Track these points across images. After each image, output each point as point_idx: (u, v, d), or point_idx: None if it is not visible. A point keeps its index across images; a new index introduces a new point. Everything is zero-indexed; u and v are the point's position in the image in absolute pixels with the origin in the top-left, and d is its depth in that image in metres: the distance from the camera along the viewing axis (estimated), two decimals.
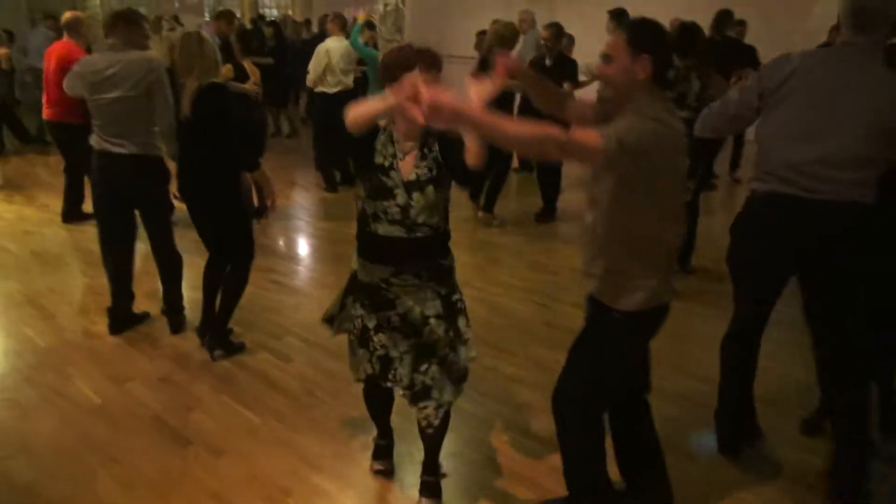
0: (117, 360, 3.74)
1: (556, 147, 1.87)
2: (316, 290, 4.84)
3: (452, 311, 2.41)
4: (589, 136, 1.88)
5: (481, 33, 7.06)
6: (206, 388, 3.43)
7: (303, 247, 5.89)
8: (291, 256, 5.58)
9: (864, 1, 2.43)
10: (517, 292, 4.71)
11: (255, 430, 3.09)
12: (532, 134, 1.86)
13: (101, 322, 4.18)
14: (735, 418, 2.94)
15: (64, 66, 4.81)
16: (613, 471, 2.47)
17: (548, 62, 5.78)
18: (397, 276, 2.32)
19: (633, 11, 7.82)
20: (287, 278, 4.96)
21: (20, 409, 3.24)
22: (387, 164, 2.27)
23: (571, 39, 6.66)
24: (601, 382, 2.26)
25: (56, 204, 6.30)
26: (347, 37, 6.93)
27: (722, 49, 6.01)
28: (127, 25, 3.71)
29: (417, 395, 2.40)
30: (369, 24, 8.72)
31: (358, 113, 2.16)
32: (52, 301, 4.47)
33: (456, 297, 2.43)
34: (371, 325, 2.41)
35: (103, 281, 4.84)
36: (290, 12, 15.78)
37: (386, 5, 5.72)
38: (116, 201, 3.83)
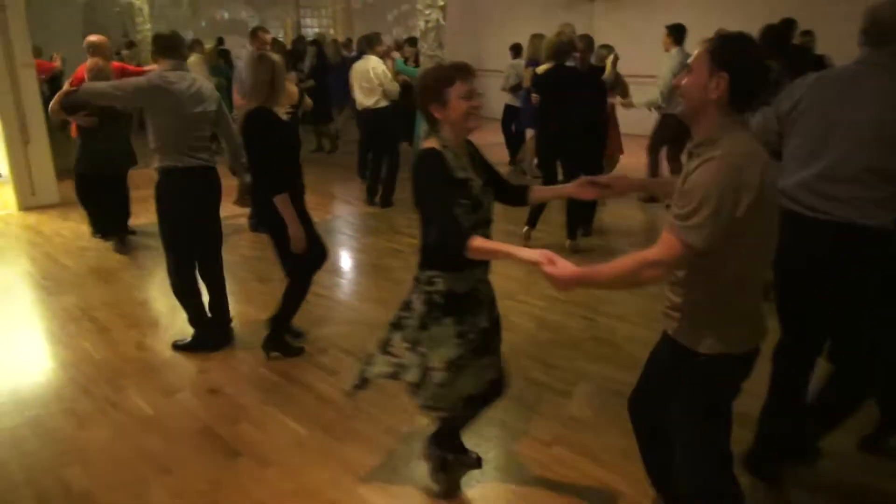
0: (168, 372, 3.83)
1: (653, 270, 1.84)
2: (360, 303, 4.89)
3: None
4: (670, 247, 1.80)
5: (536, 36, 7.07)
6: (254, 401, 3.49)
7: (346, 260, 5.96)
8: (335, 270, 5.64)
9: (877, 14, 2.37)
10: (561, 305, 4.68)
11: (303, 441, 3.13)
12: (629, 268, 1.87)
13: (152, 335, 4.30)
14: (772, 439, 2.72)
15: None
16: None
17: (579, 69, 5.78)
18: (486, 273, 2.47)
19: (685, 19, 7.74)
20: (331, 291, 5.02)
21: (77, 419, 3.34)
22: (468, 175, 2.33)
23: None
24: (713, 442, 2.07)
25: None
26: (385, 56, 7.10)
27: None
28: (180, 48, 3.89)
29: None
30: (410, 41, 8.87)
31: (489, 249, 2.14)
32: (107, 315, 4.61)
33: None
34: (486, 325, 2.47)
35: (154, 294, 5.00)
36: (331, 31, 16.09)
37: (427, 22, 5.77)
38: (202, 215, 3.93)
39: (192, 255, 3.99)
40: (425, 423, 3.20)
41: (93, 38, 5.67)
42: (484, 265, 2.45)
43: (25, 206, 7.36)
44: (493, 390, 2.59)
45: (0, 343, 4.23)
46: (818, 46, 7.08)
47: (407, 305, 2.48)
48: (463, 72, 2.28)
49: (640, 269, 1.85)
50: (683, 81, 1.92)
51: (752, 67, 1.84)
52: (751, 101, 1.89)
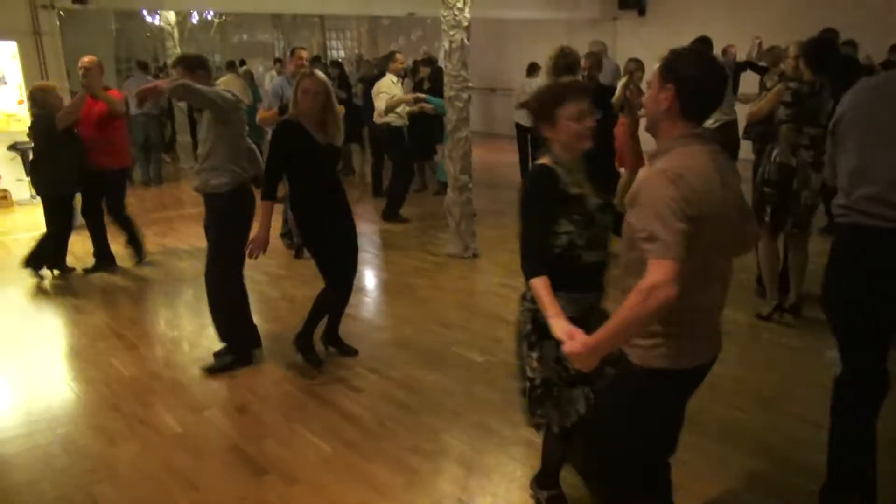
0: (196, 389, 3.86)
1: (657, 293, 1.73)
2: (385, 321, 4.90)
3: None
4: (660, 267, 1.74)
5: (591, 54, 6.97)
6: (281, 418, 3.49)
7: (369, 278, 5.98)
8: (360, 288, 5.66)
9: None
10: None
11: (328, 459, 3.12)
12: (633, 306, 1.77)
13: (180, 352, 4.35)
14: (841, 472, 2.55)
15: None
16: None
17: None
18: (599, 300, 2.38)
19: (721, 36, 7.73)
20: (356, 310, 5.03)
21: (106, 435, 3.37)
22: (581, 191, 2.28)
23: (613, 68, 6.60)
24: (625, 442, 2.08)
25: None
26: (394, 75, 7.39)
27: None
28: (207, 69, 4.00)
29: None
30: (425, 62, 8.95)
31: (539, 297, 2.15)
32: (136, 332, 4.67)
33: None
34: None
35: (181, 312, 5.06)
36: (355, 52, 16.31)
37: (451, 42, 5.81)
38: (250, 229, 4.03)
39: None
40: (448, 441, 3.20)
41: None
42: (599, 290, 2.36)
43: None
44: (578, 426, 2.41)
45: (32, 360, 4.30)
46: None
47: (518, 323, 2.45)
48: (575, 92, 2.25)
49: (643, 301, 1.73)
50: (643, 97, 1.98)
51: (694, 78, 1.85)
52: (702, 112, 1.90)
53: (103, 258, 5.98)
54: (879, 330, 2.43)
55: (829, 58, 4.06)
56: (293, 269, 5.90)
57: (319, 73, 3.80)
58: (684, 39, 7.59)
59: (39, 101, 5.52)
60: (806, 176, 4.15)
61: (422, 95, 7.60)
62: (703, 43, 6.33)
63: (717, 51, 8.56)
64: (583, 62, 5.51)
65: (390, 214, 7.59)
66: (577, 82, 2.32)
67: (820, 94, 4.09)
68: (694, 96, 1.86)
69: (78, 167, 5.55)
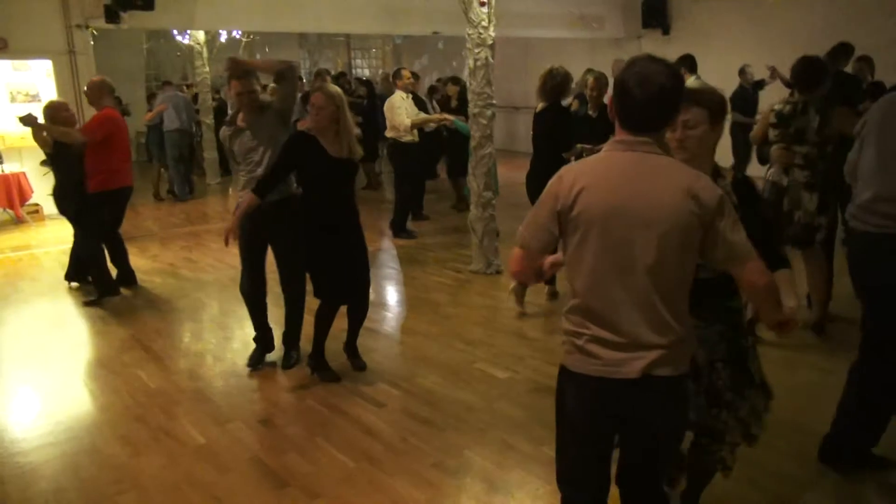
0: (220, 401, 3.88)
1: (513, 275, 2.08)
2: (407, 336, 4.90)
3: (741, 355, 2.33)
4: (511, 255, 2.01)
5: (588, 72, 6.98)
6: (303, 432, 3.50)
7: (392, 293, 5.99)
8: (381, 303, 5.68)
9: None
10: None
11: (350, 474, 3.12)
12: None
13: (204, 365, 4.39)
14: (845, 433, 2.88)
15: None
16: None
17: (592, 113, 5.41)
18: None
19: (732, 54, 7.67)
20: (378, 325, 5.04)
21: (132, 446, 3.40)
22: None
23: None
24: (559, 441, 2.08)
25: (166, 255, 6.72)
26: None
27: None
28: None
29: (711, 438, 2.37)
30: (454, 80, 9.02)
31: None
32: (161, 345, 4.72)
33: (744, 341, 2.35)
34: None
35: (207, 326, 5.11)
36: (379, 72, 16.48)
37: (476, 60, 5.85)
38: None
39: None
40: (470, 458, 3.18)
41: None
42: None
43: None
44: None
45: (59, 371, 4.37)
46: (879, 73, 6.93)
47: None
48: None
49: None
50: None
51: (620, 91, 1.83)
52: (633, 124, 1.82)
53: (122, 277, 5.98)
54: None
55: (814, 77, 4.05)
56: None
57: (330, 88, 3.85)
58: (708, 57, 7.61)
59: (48, 118, 5.55)
60: (797, 195, 4.12)
61: (449, 117, 7.67)
62: (684, 60, 6.28)
63: (733, 70, 8.57)
64: (590, 82, 5.41)
65: (396, 231, 7.64)
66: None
67: (805, 113, 4.06)
68: (620, 108, 1.85)
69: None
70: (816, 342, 4.35)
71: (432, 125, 7.81)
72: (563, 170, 1.90)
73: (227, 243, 3.83)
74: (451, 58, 15.84)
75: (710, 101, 2.22)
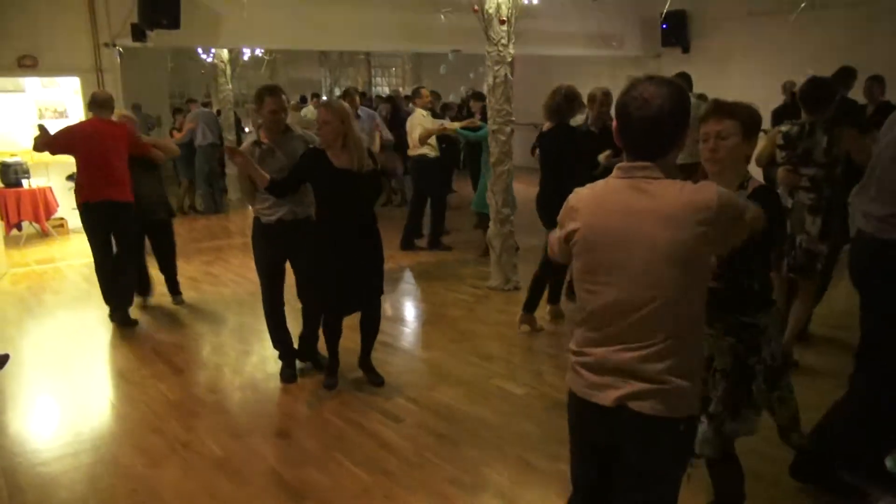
0: (238, 414, 3.90)
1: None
2: (424, 351, 4.89)
3: (744, 373, 2.31)
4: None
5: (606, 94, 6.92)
6: (320, 446, 3.50)
7: (409, 309, 6.00)
8: (399, 318, 5.68)
9: None
10: None
11: (367, 488, 3.11)
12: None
13: (223, 378, 4.41)
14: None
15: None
16: None
17: (594, 129, 5.12)
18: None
19: (752, 73, 7.61)
20: (395, 339, 5.05)
21: (150, 458, 3.42)
22: None
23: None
24: None
25: (187, 269, 6.79)
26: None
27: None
28: None
29: None
30: (477, 96, 9.08)
31: None
32: (182, 358, 4.76)
33: (754, 360, 2.32)
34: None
35: (226, 340, 5.14)
36: (400, 90, 16.63)
37: (495, 77, 5.89)
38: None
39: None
40: (487, 474, 3.15)
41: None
42: None
43: None
44: None
45: (80, 382, 4.41)
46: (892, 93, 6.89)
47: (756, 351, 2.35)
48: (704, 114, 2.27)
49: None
50: None
51: (616, 116, 1.80)
52: (632, 148, 1.77)
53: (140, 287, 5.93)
54: None
55: (823, 98, 4.02)
56: None
57: (334, 104, 3.94)
58: (728, 76, 7.59)
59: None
60: (801, 217, 4.05)
61: (450, 126, 7.68)
62: (682, 77, 6.21)
63: (753, 88, 8.51)
64: (599, 97, 5.28)
65: (433, 244, 7.79)
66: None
67: (813, 135, 4.00)
68: (620, 132, 1.80)
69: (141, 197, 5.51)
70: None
71: (434, 133, 7.84)
72: (571, 195, 1.90)
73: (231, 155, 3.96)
74: (463, 73, 15.99)
75: (744, 114, 2.24)
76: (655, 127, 1.72)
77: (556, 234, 1.95)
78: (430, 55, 16.25)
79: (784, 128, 4.11)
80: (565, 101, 4.89)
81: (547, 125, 5.05)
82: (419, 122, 7.49)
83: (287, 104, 4.21)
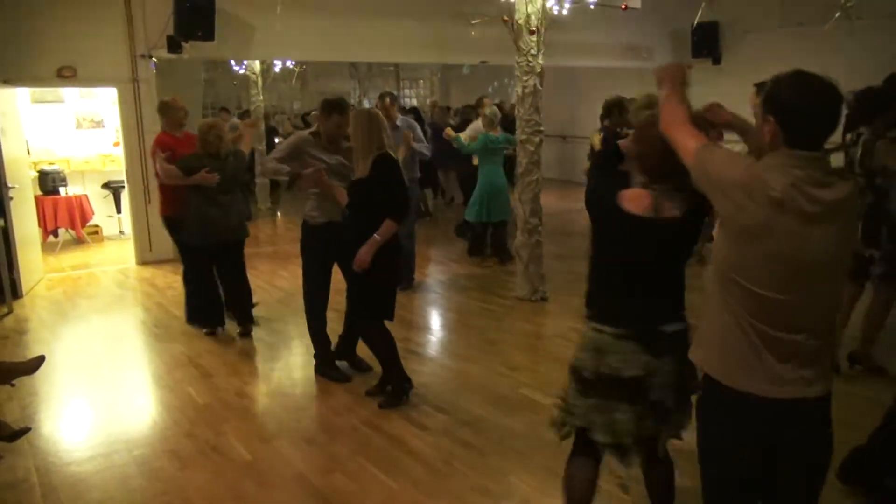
0: (267, 419, 3.93)
1: (675, 131, 1.98)
2: (452, 361, 4.88)
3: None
4: (691, 140, 1.92)
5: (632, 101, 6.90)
6: (347, 451, 3.51)
7: (436, 318, 6.00)
8: (425, 326, 5.69)
9: None
10: None
11: (393, 495, 3.10)
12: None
13: (252, 383, 4.46)
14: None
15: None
16: None
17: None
18: None
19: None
20: (422, 347, 5.05)
21: (179, 460, 3.46)
22: None
23: None
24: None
25: None
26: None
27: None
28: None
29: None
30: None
31: None
32: (211, 362, 4.81)
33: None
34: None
35: (255, 346, 5.19)
36: (427, 101, 16.73)
37: (524, 87, 5.90)
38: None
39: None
40: (514, 484, 3.12)
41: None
42: None
43: (143, 260, 7.91)
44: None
45: (113, 385, 4.49)
46: None
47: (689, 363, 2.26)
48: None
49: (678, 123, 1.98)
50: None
51: (796, 105, 1.76)
52: (811, 139, 1.76)
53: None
54: None
55: (864, 111, 3.97)
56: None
57: (365, 111, 3.98)
58: None
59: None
60: None
61: (452, 133, 7.65)
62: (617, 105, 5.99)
63: None
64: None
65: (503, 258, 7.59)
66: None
67: (856, 144, 4.00)
68: (798, 125, 1.75)
69: (213, 216, 5.06)
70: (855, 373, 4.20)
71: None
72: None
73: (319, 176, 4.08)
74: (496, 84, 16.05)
75: None
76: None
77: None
78: (459, 67, 16.33)
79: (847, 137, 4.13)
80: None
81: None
82: (469, 132, 7.51)
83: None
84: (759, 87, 5.74)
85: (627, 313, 2.28)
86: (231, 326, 5.40)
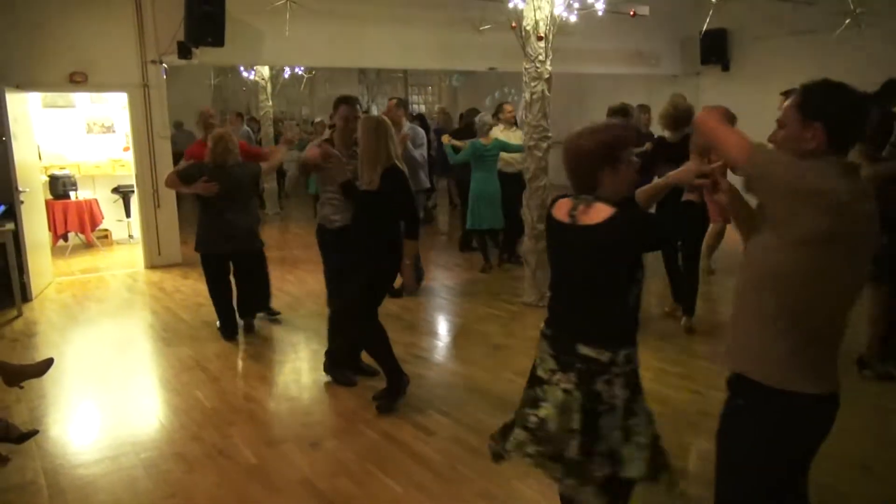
0: (274, 423, 3.94)
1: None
2: (458, 366, 4.88)
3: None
4: (740, 137, 1.87)
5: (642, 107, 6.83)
6: (353, 456, 3.51)
7: (443, 323, 6.00)
8: (432, 332, 5.69)
9: None
10: (669, 378, 4.48)
11: (399, 500, 3.10)
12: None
13: (259, 387, 4.46)
14: None
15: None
16: None
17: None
18: None
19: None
20: (428, 353, 5.05)
21: (186, 463, 3.47)
22: None
23: None
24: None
25: None
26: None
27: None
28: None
29: None
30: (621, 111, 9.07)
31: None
32: (218, 366, 4.83)
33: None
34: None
35: (261, 350, 5.20)
36: (435, 108, 16.78)
37: (532, 93, 5.91)
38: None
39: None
40: (519, 489, 3.12)
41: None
42: None
43: (151, 264, 7.95)
44: None
45: (121, 389, 4.50)
46: None
47: (597, 397, 2.19)
48: (633, 135, 2.26)
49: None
50: (776, 138, 1.94)
51: (843, 114, 1.83)
52: (848, 144, 1.86)
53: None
54: None
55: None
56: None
57: (374, 117, 4.00)
58: (769, 94, 7.44)
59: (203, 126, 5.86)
60: None
61: (445, 139, 7.63)
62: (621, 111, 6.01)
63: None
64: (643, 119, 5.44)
65: (514, 258, 7.63)
66: (630, 126, 2.32)
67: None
68: (843, 131, 1.84)
69: (216, 226, 5.15)
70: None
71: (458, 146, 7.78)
72: None
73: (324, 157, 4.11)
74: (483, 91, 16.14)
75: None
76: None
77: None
78: (468, 73, 16.38)
79: None
80: (686, 113, 5.14)
81: (670, 135, 5.24)
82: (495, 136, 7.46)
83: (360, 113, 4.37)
84: (787, 94, 5.77)
85: (550, 313, 2.41)
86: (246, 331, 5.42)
